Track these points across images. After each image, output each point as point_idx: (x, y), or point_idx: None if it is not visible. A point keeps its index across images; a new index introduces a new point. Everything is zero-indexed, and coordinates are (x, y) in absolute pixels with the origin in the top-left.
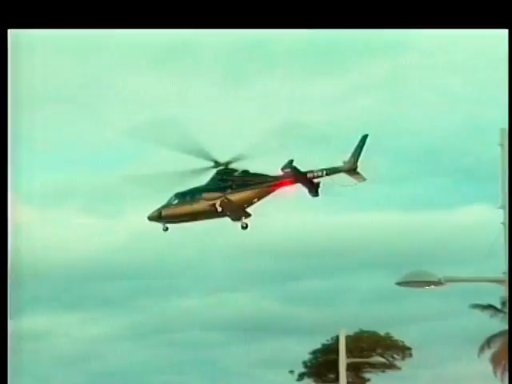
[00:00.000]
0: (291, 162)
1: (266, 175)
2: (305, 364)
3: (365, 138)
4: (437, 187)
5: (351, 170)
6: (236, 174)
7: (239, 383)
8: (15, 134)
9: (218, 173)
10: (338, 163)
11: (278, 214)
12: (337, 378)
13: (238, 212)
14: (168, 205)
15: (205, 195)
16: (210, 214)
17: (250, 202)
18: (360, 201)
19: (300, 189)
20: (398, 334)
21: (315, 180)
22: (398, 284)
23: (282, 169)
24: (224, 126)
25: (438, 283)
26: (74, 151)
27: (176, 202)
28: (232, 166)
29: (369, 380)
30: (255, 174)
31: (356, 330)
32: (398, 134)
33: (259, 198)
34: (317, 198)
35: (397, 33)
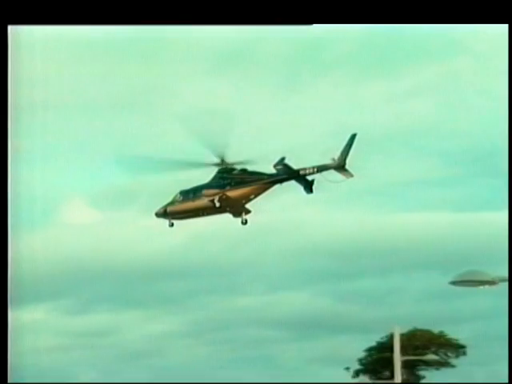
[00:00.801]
0: (283, 159)
1: (263, 173)
2: (360, 361)
3: (353, 137)
4: (488, 188)
5: (340, 167)
6: (235, 172)
7: (296, 379)
8: (78, 139)
9: (219, 171)
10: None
11: (331, 214)
12: (392, 376)
13: (238, 208)
14: (173, 202)
15: (205, 192)
16: (211, 209)
17: (248, 199)
18: (413, 201)
19: (295, 186)
20: (451, 333)
21: (308, 177)
22: (453, 283)
23: (274, 166)
24: (280, 130)
25: (491, 282)
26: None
27: (180, 199)
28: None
29: (424, 377)
30: (253, 172)
31: (410, 328)
32: (451, 135)
33: (256, 195)
34: (373, 198)
35: (450, 36)
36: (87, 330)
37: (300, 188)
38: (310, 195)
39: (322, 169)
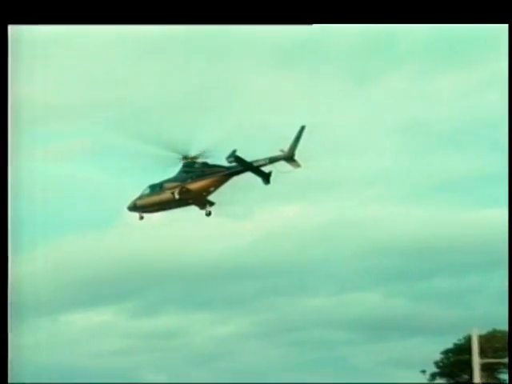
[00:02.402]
0: (234, 151)
1: (221, 166)
2: (436, 364)
3: (302, 129)
4: None
5: (289, 158)
6: (196, 165)
7: (369, 382)
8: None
9: (184, 165)
10: None
11: (404, 210)
12: (470, 379)
13: (200, 200)
14: (141, 195)
15: (166, 185)
16: (173, 202)
17: (208, 191)
18: (489, 196)
19: (253, 178)
20: None
21: (262, 168)
22: None
23: (227, 158)
24: (349, 125)
25: None
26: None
27: (147, 192)
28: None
29: (504, 381)
30: (212, 165)
31: (489, 329)
32: None
33: (215, 187)
34: (446, 193)
35: None
36: (155, 332)
37: (370, 185)
38: (384, 193)
39: (273, 160)
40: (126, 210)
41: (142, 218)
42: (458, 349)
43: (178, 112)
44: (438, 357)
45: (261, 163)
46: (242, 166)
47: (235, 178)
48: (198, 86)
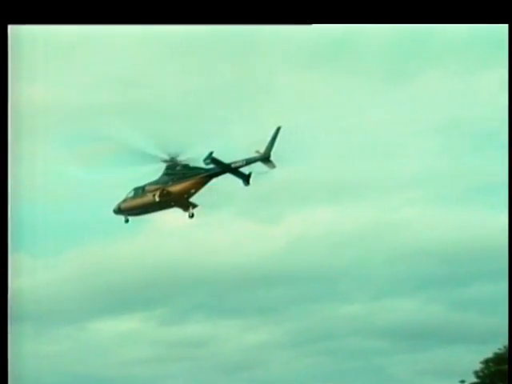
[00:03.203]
0: (211, 153)
1: (201, 168)
2: (476, 374)
3: (278, 130)
4: None
5: (265, 159)
6: (178, 168)
7: None
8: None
9: (166, 167)
10: None
11: (442, 214)
12: None
13: (182, 202)
14: (126, 198)
15: (147, 187)
16: (154, 205)
17: (189, 193)
18: None
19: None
20: None
21: (240, 169)
22: None
23: (204, 160)
24: (384, 126)
25: None
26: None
27: (131, 195)
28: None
29: None
30: (193, 168)
31: None
32: None
33: (196, 189)
34: (489, 196)
35: None
36: (183, 340)
37: (406, 188)
38: (421, 195)
39: (249, 161)
40: (156, 215)
41: (127, 221)
42: (498, 358)
43: (203, 111)
44: (477, 366)
45: (238, 164)
46: (220, 167)
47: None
48: (227, 85)
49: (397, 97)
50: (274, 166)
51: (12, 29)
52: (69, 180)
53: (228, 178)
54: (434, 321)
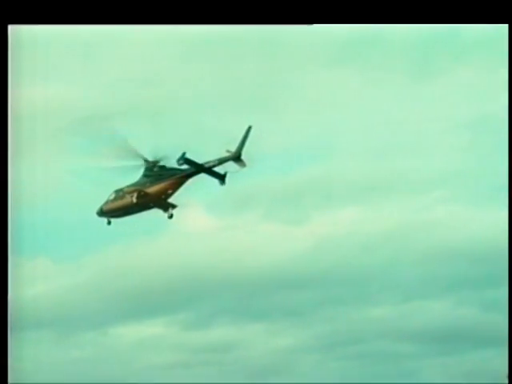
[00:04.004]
0: (184, 154)
1: (177, 168)
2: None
3: (249, 129)
4: None
5: (236, 158)
6: (155, 169)
7: None
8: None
9: (144, 169)
10: None
11: (473, 213)
12: None
13: (160, 203)
14: (107, 201)
15: (125, 189)
16: (134, 206)
17: (166, 193)
18: None
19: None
20: None
21: (214, 169)
22: None
23: (177, 161)
24: (412, 123)
25: None
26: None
27: (112, 197)
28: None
29: None
30: (169, 168)
31: None
32: None
33: (173, 190)
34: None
35: None
36: (208, 345)
37: (436, 187)
38: (451, 194)
39: (222, 161)
40: (179, 217)
41: (109, 222)
42: None
43: (227, 111)
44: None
45: (211, 164)
46: (194, 167)
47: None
48: (253, 84)
49: (424, 94)
50: (244, 165)
51: (12, 29)
52: (86, 183)
53: (254, 180)
54: (465, 323)
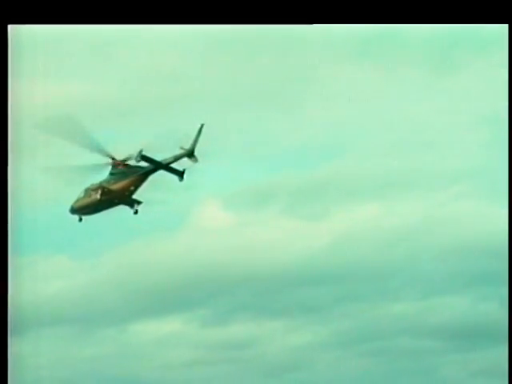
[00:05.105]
0: (141, 151)
1: (138, 166)
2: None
3: (201, 127)
4: None
5: (189, 154)
6: (119, 167)
7: None
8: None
9: (111, 167)
10: None
11: (492, 209)
12: None
13: (125, 200)
14: (77, 199)
15: (91, 187)
16: (100, 203)
17: (129, 190)
18: None
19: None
20: None
21: (172, 165)
22: None
23: (135, 158)
24: (431, 118)
25: None
26: (273, 154)
27: (82, 195)
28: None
29: None
30: (132, 167)
31: None
32: None
33: (135, 186)
34: None
35: None
36: (226, 341)
37: (455, 182)
38: (471, 189)
39: (177, 157)
40: (197, 213)
41: (80, 219)
42: None
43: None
44: None
45: (168, 161)
46: (153, 164)
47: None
48: (272, 82)
49: (443, 89)
50: (196, 161)
51: (12, 29)
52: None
53: (273, 176)
54: (487, 319)
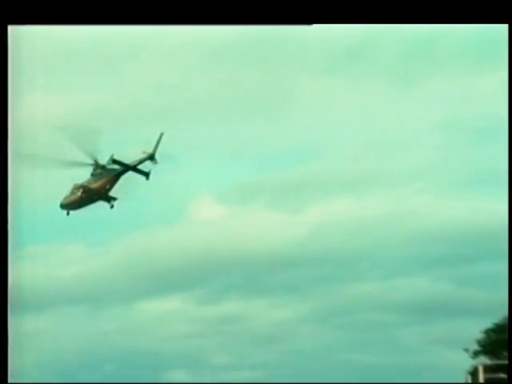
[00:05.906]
0: (112, 156)
1: (113, 169)
2: (479, 342)
3: (161, 135)
4: None
5: (151, 158)
6: (98, 169)
7: (418, 359)
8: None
9: (93, 169)
10: None
11: (445, 201)
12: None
13: (103, 196)
14: (66, 196)
15: (74, 186)
16: (83, 200)
17: (105, 188)
18: None
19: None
20: None
21: (138, 167)
22: None
23: (107, 162)
24: (394, 124)
25: None
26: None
27: (68, 193)
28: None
29: None
30: (108, 169)
31: None
32: None
33: (111, 185)
34: (489, 186)
35: None
36: (219, 317)
37: (414, 179)
38: (428, 185)
39: (141, 161)
40: (193, 207)
41: (68, 213)
42: (498, 328)
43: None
44: (479, 336)
45: (135, 163)
46: (123, 167)
47: None
48: (258, 91)
49: (405, 98)
50: (156, 163)
51: (12, 29)
52: None
53: (259, 174)
54: (441, 296)
